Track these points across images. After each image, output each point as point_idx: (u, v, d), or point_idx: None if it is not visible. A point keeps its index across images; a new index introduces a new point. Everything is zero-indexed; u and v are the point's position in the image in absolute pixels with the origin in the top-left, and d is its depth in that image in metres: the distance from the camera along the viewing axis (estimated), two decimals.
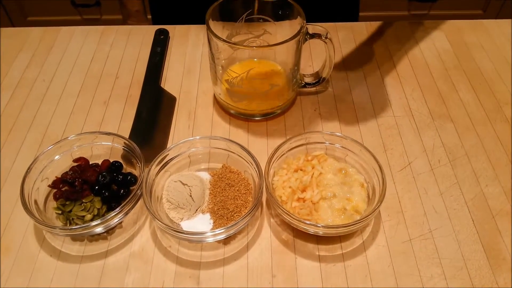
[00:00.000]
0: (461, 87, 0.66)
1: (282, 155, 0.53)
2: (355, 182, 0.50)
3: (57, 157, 0.52)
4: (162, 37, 0.73)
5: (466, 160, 0.56)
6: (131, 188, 0.51)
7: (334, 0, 0.82)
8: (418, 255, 0.47)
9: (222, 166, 0.54)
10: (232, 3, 0.59)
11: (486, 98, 0.64)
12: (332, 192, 0.49)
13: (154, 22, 0.89)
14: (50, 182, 0.51)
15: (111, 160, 0.53)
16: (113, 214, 0.46)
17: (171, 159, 0.53)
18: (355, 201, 0.49)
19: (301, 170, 0.52)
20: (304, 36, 0.55)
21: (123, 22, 0.90)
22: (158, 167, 0.51)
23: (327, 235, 0.48)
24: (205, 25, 0.54)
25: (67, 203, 0.49)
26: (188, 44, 0.73)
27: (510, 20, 0.77)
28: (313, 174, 0.50)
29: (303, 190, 0.49)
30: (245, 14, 0.60)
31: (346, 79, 0.67)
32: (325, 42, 0.57)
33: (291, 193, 0.50)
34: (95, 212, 0.48)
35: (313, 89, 0.65)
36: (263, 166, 0.50)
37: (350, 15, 0.87)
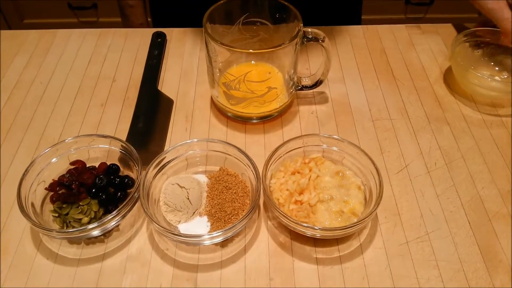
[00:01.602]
0: (457, 90, 0.66)
1: (279, 158, 0.53)
2: (352, 185, 0.50)
3: (54, 159, 0.52)
4: (159, 40, 0.73)
5: (462, 163, 0.56)
6: (128, 191, 0.51)
7: (338, 4, 0.83)
8: (415, 257, 0.48)
9: (220, 168, 0.54)
10: (229, 6, 0.59)
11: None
12: (329, 195, 0.49)
13: (155, 25, 0.89)
14: (47, 185, 0.50)
15: (108, 163, 0.53)
16: (110, 217, 0.46)
17: (169, 162, 0.53)
18: (352, 203, 0.49)
19: (298, 172, 0.52)
20: (301, 40, 0.56)
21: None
22: (156, 170, 0.51)
23: (324, 238, 0.48)
24: (203, 28, 0.55)
25: (64, 206, 0.49)
26: (186, 47, 0.73)
27: None
28: (310, 176, 0.51)
29: (301, 193, 0.50)
30: (243, 17, 0.60)
31: (343, 82, 0.67)
32: (322, 45, 0.57)
33: (288, 195, 0.50)
34: (92, 215, 0.48)
35: (310, 92, 0.65)
36: (260, 168, 0.50)
37: (353, 18, 0.87)
